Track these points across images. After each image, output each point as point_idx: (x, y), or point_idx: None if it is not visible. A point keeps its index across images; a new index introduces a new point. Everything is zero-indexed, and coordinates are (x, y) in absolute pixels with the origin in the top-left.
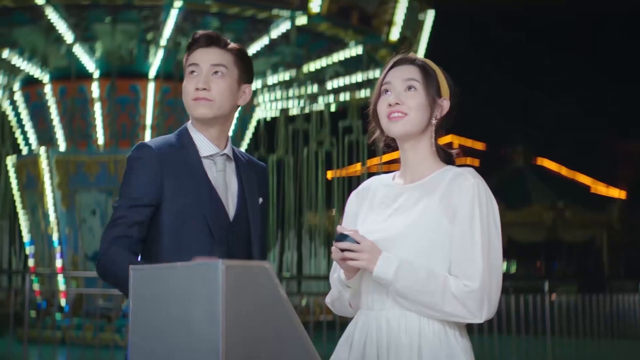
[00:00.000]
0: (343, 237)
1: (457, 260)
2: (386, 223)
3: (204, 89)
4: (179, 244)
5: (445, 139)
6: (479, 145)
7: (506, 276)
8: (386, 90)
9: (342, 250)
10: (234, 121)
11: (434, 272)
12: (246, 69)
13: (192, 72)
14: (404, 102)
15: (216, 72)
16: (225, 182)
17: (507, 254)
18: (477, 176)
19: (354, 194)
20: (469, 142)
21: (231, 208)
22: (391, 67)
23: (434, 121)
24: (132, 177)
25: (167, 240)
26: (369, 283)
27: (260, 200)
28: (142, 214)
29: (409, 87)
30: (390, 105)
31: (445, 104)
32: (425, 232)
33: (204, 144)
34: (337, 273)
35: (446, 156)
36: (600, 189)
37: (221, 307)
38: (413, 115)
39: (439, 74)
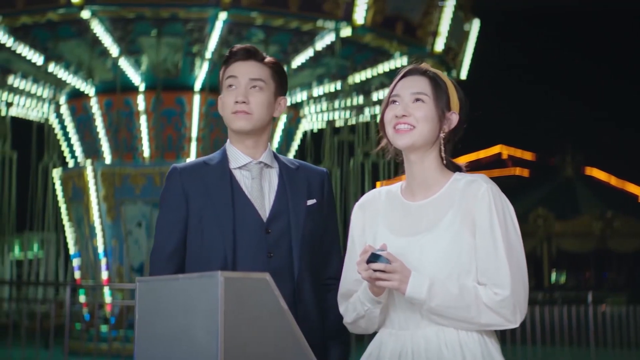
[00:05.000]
0: (375, 258)
1: (484, 269)
2: (409, 243)
3: (243, 102)
4: (200, 251)
5: (494, 149)
6: (528, 156)
7: (554, 287)
8: (394, 101)
9: (374, 270)
10: (279, 133)
11: (465, 286)
12: (282, 82)
13: (231, 85)
14: (412, 113)
15: (254, 86)
16: (261, 187)
17: (557, 265)
18: (489, 181)
19: (357, 207)
20: (518, 152)
21: (267, 209)
22: (401, 78)
23: (442, 135)
24: (161, 222)
25: (191, 250)
26: (399, 302)
27: (313, 201)
28: (179, 257)
29: (417, 99)
30: (397, 116)
31: (454, 118)
32: (451, 248)
33: (237, 156)
34: (360, 290)
35: (455, 169)
36: None
37: (220, 318)
38: (420, 127)
39: (449, 86)
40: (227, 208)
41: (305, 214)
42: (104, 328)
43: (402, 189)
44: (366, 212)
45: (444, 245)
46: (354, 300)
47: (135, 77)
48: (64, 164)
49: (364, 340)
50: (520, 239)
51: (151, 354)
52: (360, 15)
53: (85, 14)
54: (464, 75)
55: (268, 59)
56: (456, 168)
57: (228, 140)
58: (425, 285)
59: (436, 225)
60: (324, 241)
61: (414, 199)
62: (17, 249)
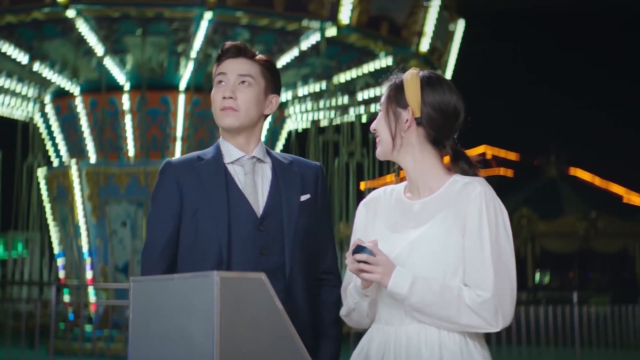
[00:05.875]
0: (360, 249)
1: (469, 270)
2: (401, 240)
3: (230, 97)
4: (194, 245)
5: (478, 149)
6: (512, 156)
7: (538, 287)
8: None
9: (359, 261)
10: (264, 132)
11: (448, 286)
12: (273, 80)
13: (220, 82)
14: (376, 123)
15: (243, 82)
16: (254, 182)
17: (540, 265)
18: (484, 184)
19: (362, 205)
20: (502, 153)
21: (261, 204)
22: None
23: (402, 133)
24: (154, 217)
25: (184, 243)
26: (386, 297)
27: (307, 196)
28: (171, 253)
29: (380, 110)
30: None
31: (411, 113)
32: (439, 247)
33: (230, 151)
34: (352, 283)
35: (468, 166)
36: (634, 198)
37: (216, 318)
38: (381, 134)
39: (407, 85)
40: (222, 203)
41: (298, 210)
42: (88, 328)
43: (405, 187)
44: (369, 210)
45: (432, 244)
46: (348, 293)
47: (120, 77)
48: (48, 163)
49: (350, 337)
50: (511, 244)
51: (146, 355)
52: (345, 15)
53: (70, 13)
54: (448, 75)
55: (259, 56)
56: (466, 170)
57: (221, 137)
58: (408, 281)
59: (427, 224)
60: (318, 236)
61: (412, 198)
62: (1, 248)
